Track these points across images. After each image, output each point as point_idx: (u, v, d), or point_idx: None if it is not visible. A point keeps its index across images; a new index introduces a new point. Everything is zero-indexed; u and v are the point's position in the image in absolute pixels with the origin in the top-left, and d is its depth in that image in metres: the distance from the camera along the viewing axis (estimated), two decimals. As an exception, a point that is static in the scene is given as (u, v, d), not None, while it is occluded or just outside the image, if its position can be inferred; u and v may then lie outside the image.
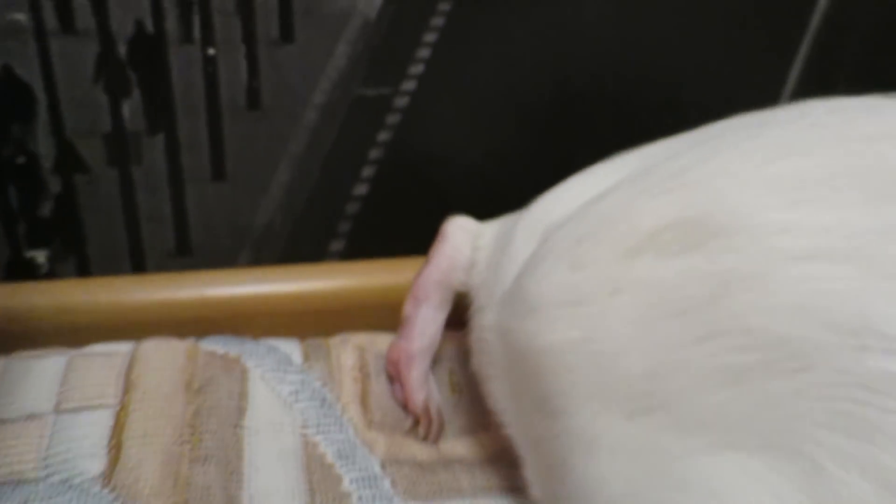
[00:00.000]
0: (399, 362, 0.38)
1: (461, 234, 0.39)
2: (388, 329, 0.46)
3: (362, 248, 0.46)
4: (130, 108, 0.40)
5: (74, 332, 0.41)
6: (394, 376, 0.39)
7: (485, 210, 0.41)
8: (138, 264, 0.44)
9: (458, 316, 0.41)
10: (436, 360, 0.41)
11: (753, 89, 0.47)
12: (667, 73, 0.46)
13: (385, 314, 0.47)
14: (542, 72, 0.44)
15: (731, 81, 0.47)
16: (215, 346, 0.40)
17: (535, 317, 0.30)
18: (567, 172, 0.50)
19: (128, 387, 0.36)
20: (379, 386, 0.40)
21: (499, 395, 0.33)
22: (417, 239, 0.49)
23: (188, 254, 0.44)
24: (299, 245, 0.45)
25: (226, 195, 0.43)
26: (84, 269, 0.43)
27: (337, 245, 0.46)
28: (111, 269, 0.43)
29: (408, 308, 0.38)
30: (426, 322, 0.38)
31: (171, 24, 0.39)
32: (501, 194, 0.49)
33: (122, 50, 0.38)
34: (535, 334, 0.29)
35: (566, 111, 0.45)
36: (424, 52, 0.42)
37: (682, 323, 0.26)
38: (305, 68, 0.41)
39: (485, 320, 0.33)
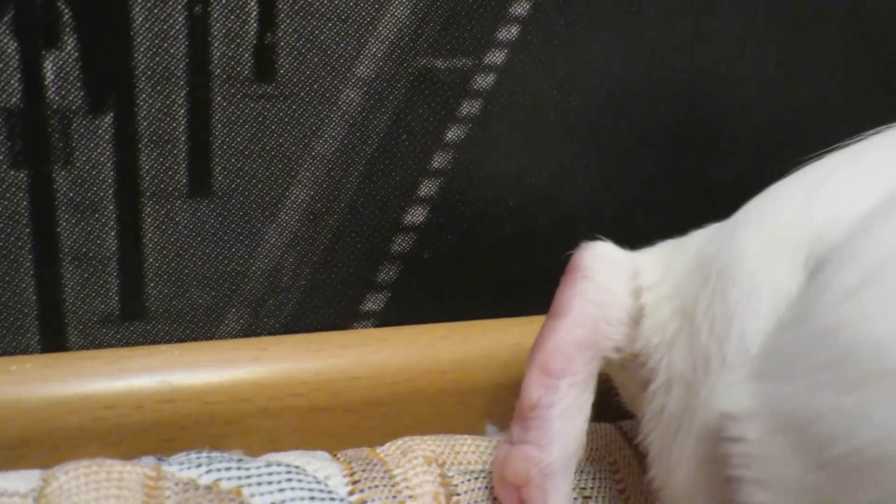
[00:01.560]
0: (528, 484, 0.22)
1: (609, 267, 0.24)
2: (468, 428, 0.30)
3: (412, 305, 0.31)
4: (58, 68, 0.24)
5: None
6: (512, 509, 0.23)
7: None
8: (55, 336, 0.27)
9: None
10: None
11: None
12: (788, 96, 0.35)
13: (461, 404, 0.31)
14: (682, 59, 0.31)
15: (846, 112, 0.36)
16: (193, 470, 0.23)
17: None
18: (702, 198, 0.37)
19: (32, 561, 0.19)
20: (484, 527, 0.24)
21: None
22: (502, 293, 0.34)
23: (141, 317, 0.27)
24: (319, 302, 0.29)
25: (208, 221, 0.27)
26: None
27: (374, 302, 0.30)
28: (8, 345, 0.26)
29: (533, 390, 0.23)
30: (569, 412, 0.23)
31: (137, -66, 0.24)
32: (620, 223, 0.35)
33: (49, -32, 0.23)
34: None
35: (701, 125, 0.33)
36: (522, 8, 0.29)
37: None
38: (346, 22, 0.27)
39: (728, 404, 0.19)
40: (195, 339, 0.28)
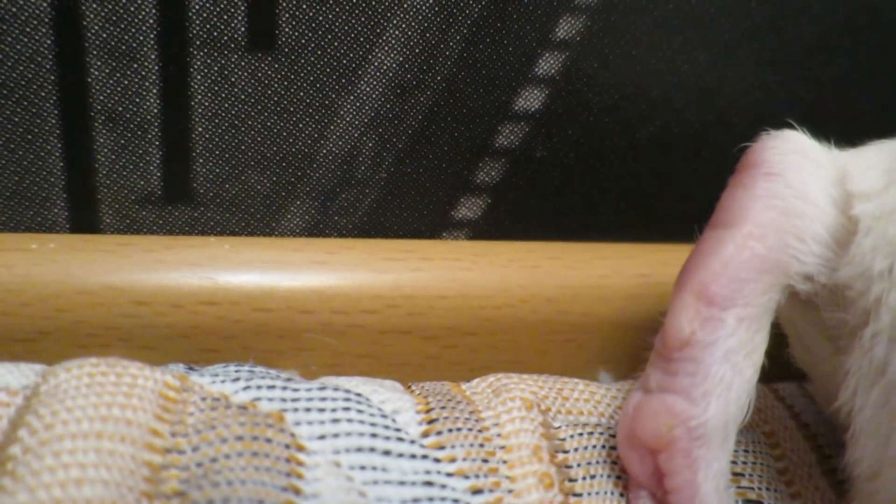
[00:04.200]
0: (669, 448, 0.16)
1: (804, 165, 0.17)
2: (576, 373, 0.24)
3: (517, 216, 0.25)
4: None
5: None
6: (641, 478, 0.17)
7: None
8: (86, 213, 0.22)
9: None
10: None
11: None
12: None
13: (569, 342, 0.25)
14: None
15: None
16: (228, 384, 0.18)
17: None
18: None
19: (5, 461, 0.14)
20: (600, 498, 0.18)
21: None
22: (630, 210, 0.27)
23: (187, 200, 0.23)
24: (402, 202, 0.24)
25: (271, 84, 0.22)
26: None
27: (470, 208, 0.25)
28: (31, 219, 0.22)
29: (686, 322, 0.17)
30: (735, 356, 0.16)
31: None
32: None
33: None
34: None
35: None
36: None
37: None
38: None
39: None
40: (250, 233, 0.23)
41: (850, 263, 0.16)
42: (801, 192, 0.17)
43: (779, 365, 0.23)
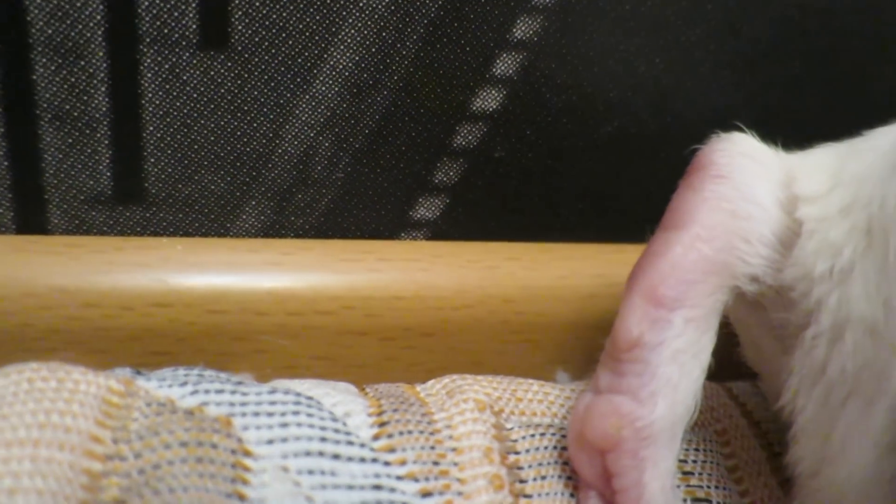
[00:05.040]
0: (616, 448, 0.16)
1: (752, 168, 0.18)
2: (534, 373, 0.24)
3: (475, 216, 0.25)
4: None
5: None
6: (590, 478, 0.17)
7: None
8: (33, 215, 0.22)
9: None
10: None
11: None
12: None
13: (527, 342, 0.25)
14: None
15: None
16: (175, 389, 0.18)
17: None
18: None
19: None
20: (550, 499, 0.18)
21: None
22: (589, 211, 0.27)
23: (138, 200, 0.22)
24: (358, 202, 0.24)
25: (224, 82, 0.22)
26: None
27: (428, 208, 0.24)
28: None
29: (634, 324, 0.17)
30: (683, 357, 0.16)
31: None
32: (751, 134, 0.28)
33: None
34: None
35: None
36: None
37: None
38: None
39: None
40: (203, 234, 0.23)
41: (794, 265, 0.16)
42: (749, 194, 0.17)
43: (733, 364, 0.23)
